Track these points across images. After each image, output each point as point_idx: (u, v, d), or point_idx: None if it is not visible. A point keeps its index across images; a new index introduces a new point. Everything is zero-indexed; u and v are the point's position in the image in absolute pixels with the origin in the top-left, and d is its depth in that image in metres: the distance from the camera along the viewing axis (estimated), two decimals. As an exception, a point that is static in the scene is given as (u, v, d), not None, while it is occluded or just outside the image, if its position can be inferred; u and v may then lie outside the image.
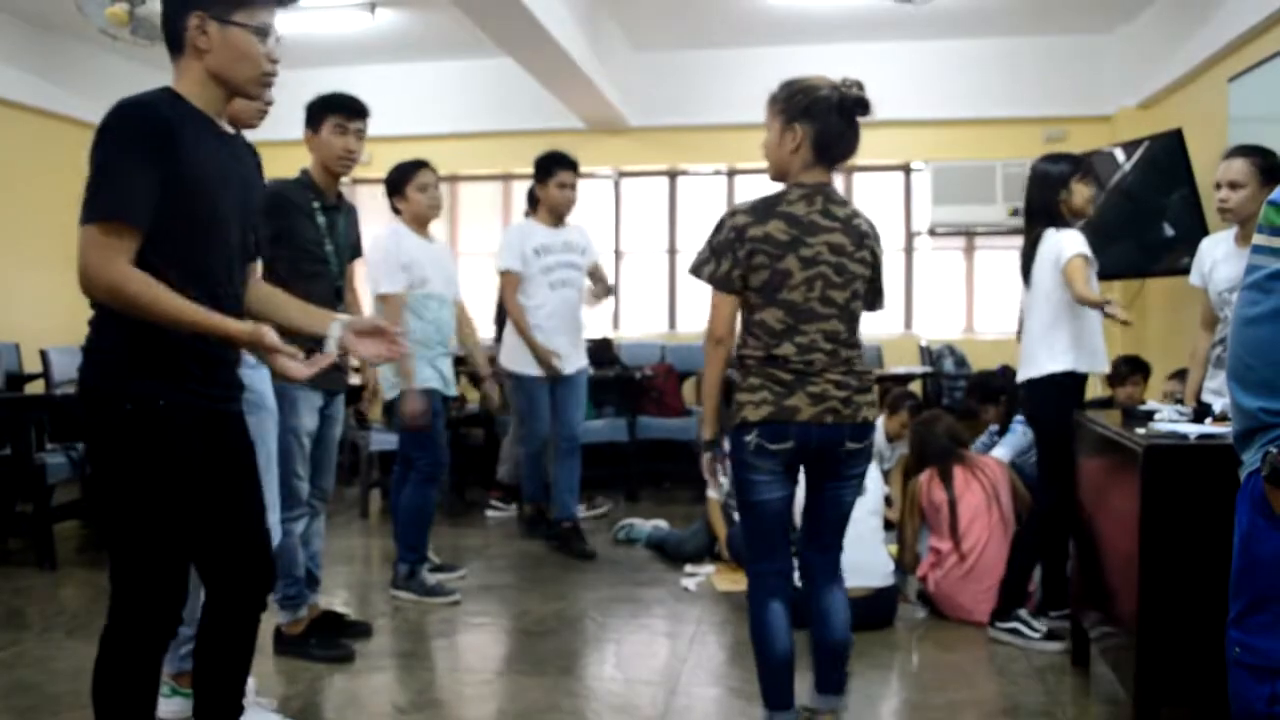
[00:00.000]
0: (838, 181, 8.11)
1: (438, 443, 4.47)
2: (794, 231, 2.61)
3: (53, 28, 7.25)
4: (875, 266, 2.74)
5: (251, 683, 2.98)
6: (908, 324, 8.02)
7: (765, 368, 2.64)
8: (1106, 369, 3.80)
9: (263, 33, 2.19)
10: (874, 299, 2.81)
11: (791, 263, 2.61)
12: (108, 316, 2.14)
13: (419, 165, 4.51)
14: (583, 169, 8.43)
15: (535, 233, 5.23)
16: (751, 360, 2.67)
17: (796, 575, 2.84)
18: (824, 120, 2.64)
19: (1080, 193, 3.79)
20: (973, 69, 7.65)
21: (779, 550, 2.76)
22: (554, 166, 5.24)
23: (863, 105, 2.64)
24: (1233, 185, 3.54)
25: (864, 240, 2.69)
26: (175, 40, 2.19)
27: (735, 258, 2.64)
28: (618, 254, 8.54)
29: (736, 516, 4.80)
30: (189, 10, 2.15)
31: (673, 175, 8.51)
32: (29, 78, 7.27)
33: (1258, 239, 1.90)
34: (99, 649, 2.23)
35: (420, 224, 4.51)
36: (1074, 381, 3.77)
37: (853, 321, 2.71)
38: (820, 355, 2.63)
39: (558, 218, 5.30)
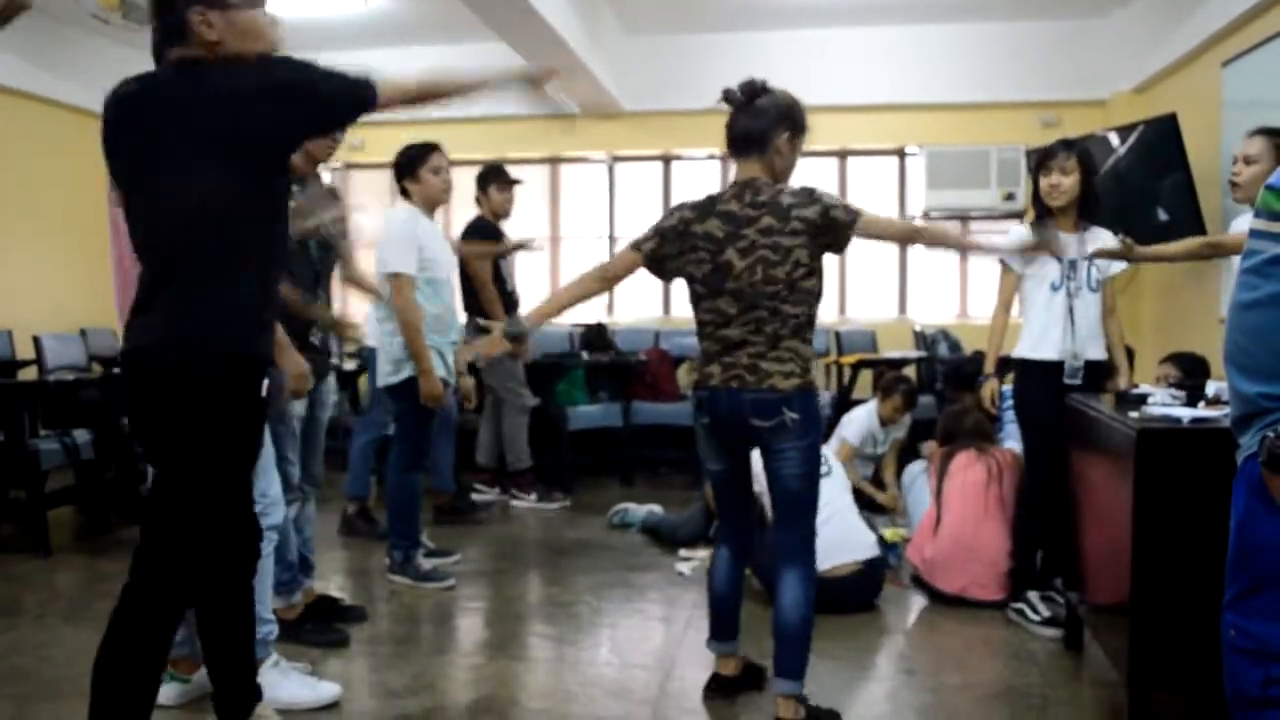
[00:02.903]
0: (833, 166, 8.13)
1: (425, 432, 4.48)
2: (728, 227, 2.84)
3: (43, 12, 7.18)
4: (815, 223, 2.79)
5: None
6: (902, 308, 8.03)
7: (703, 345, 2.95)
8: (1054, 356, 3.82)
9: (258, 4, 2.23)
10: (836, 241, 2.85)
11: (731, 255, 2.83)
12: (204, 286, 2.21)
13: (432, 147, 4.50)
14: (577, 154, 8.52)
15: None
16: (703, 341, 2.96)
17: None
18: None
19: (1040, 184, 3.89)
20: (968, 53, 7.65)
21: (729, 515, 3.13)
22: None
23: (725, 94, 2.90)
24: (1247, 160, 3.55)
25: (790, 213, 2.80)
26: (177, 35, 2.21)
27: (667, 242, 2.94)
28: (611, 239, 8.53)
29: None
30: (188, 7, 2.17)
31: (666, 160, 8.49)
32: (19, 62, 7.23)
33: (1255, 223, 1.90)
34: (111, 626, 2.24)
35: (430, 207, 4.51)
36: (1027, 367, 3.90)
37: (794, 293, 2.81)
38: (742, 330, 2.84)
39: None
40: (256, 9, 2.23)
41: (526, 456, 6.09)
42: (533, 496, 6.09)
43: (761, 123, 2.87)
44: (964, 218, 7.84)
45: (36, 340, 6.13)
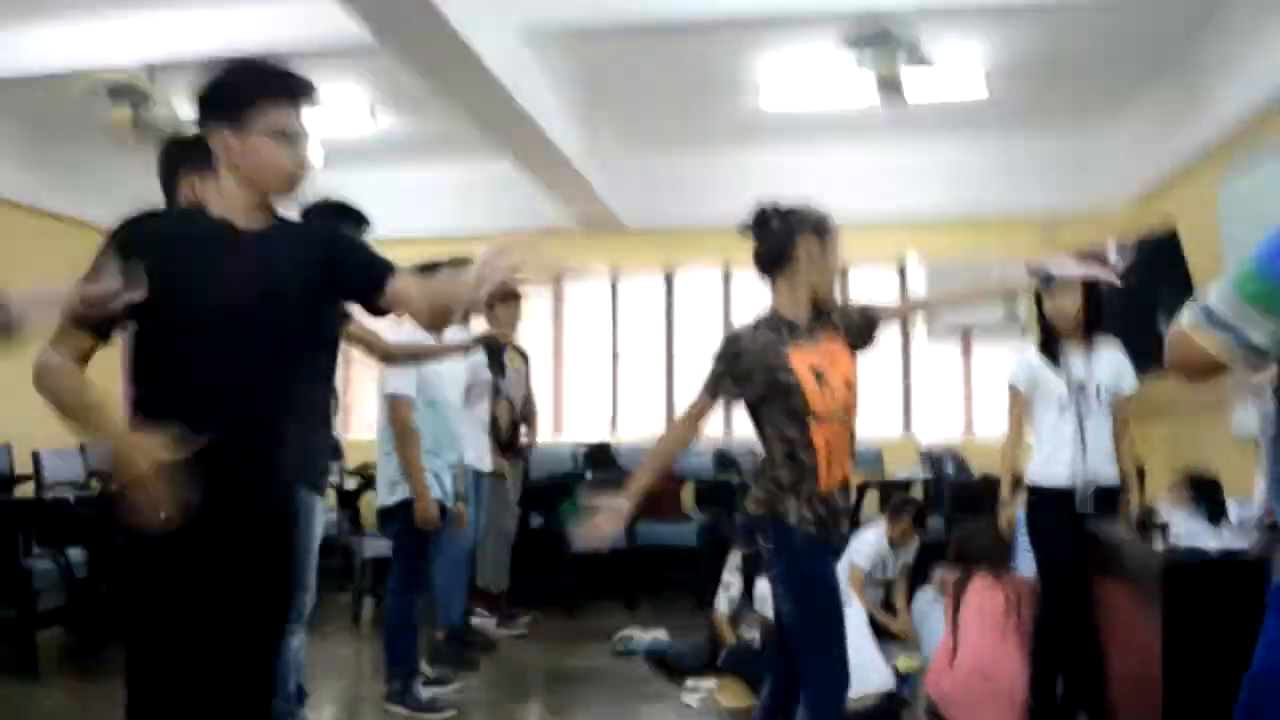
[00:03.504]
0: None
1: (423, 555, 4.41)
2: None
3: (55, 128, 7.31)
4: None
5: None
6: (906, 425, 7.97)
7: None
8: (1065, 479, 3.76)
9: (283, 135, 2.18)
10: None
11: None
12: None
13: (436, 266, 4.47)
14: (579, 269, 8.53)
15: None
16: None
17: None
18: None
19: (1047, 304, 3.90)
20: (967, 167, 7.71)
21: (779, 652, 3.01)
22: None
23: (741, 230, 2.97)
24: None
25: None
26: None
27: None
28: (615, 355, 8.53)
29: (744, 631, 4.72)
30: (212, 126, 2.17)
31: (669, 275, 8.53)
32: (28, 178, 7.30)
33: None
34: None
35: (436, 327, 4.48)
36: (1039, 493, 3.86)
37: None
38: None
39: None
40: (278, 141, 2.18)
41: (504, 580, 5.95)
42: (493, 620, 5.91)
43: (777, 241, 2.88)
44: (966, 333, 7.83)
45: (35, 456, 6.05)
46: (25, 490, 6.35)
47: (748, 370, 2.79)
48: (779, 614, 2.88)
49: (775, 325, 2.86)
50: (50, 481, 6.05)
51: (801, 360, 2.79)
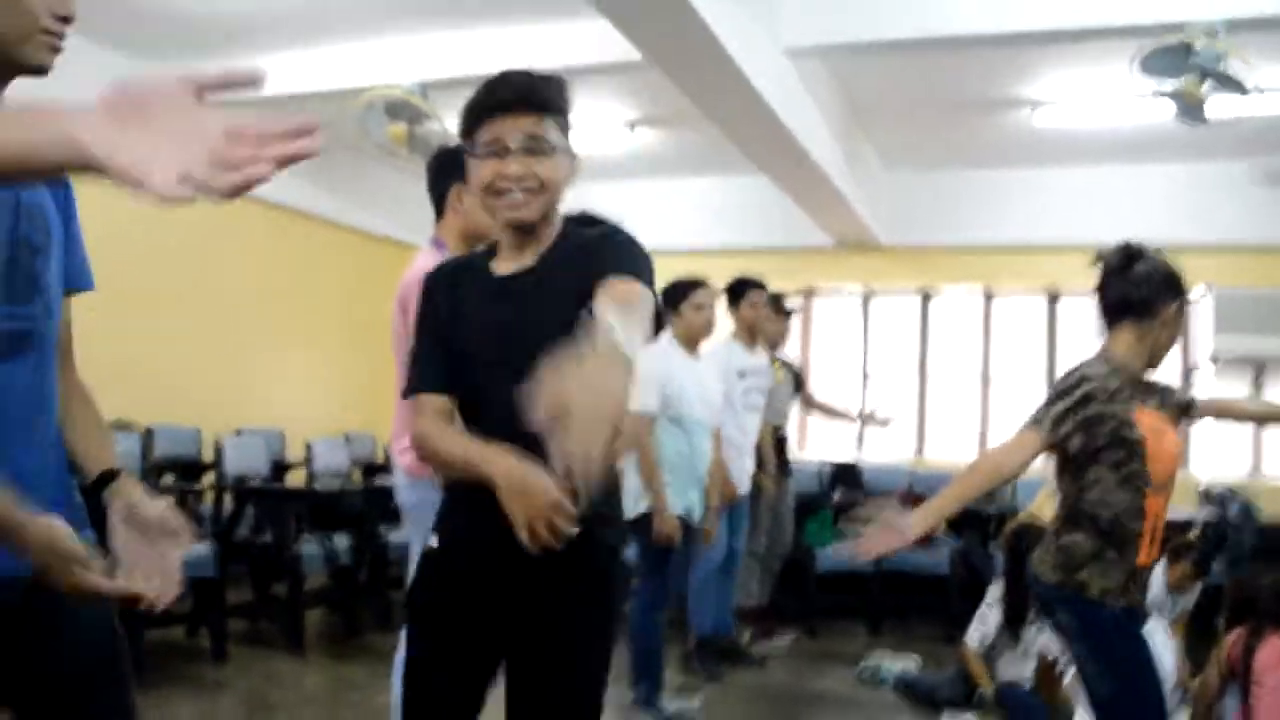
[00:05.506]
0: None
1: (669, 572, 4.36)
2: None
3: (335, 143, 7.75)
4: None
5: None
6: (1184, 462, 7.37)
7: None
8: None
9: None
10: None
11: None
12: None
13: (697, 284, 4.46)
14: (831, 287, 8.39)
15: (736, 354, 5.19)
16: None
17: None
18: None
19: None
20: (1263, 188, 7.07)
21: None
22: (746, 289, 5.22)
23: (1099, 257, 2.75)
24: None
25: None
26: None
27: None
28: (865, 375, 8.32)
29: (1001, 668, 4.44)
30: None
31: (925, 295, 8.25)
32: (313, 190, 7.79)
33: None
34: None
35: (691, 343, 4.45)
36: None
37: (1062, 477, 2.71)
38: None
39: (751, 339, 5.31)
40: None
41: (754, 595, 5.82)
42: (746, 634, 5.74)
43: (1144, 291, 2.63)
44: (1258, 368, 7.19)
45: (309, 446, 6.42)
46: (294, 475, 6.75)
47: (1096, 416, 2.52)
48: (1090, 694, 2.61)
49: (1117, 374, 2.60)
50: (319, 470, 6.38)
51: (1144, 419, 2.55)
